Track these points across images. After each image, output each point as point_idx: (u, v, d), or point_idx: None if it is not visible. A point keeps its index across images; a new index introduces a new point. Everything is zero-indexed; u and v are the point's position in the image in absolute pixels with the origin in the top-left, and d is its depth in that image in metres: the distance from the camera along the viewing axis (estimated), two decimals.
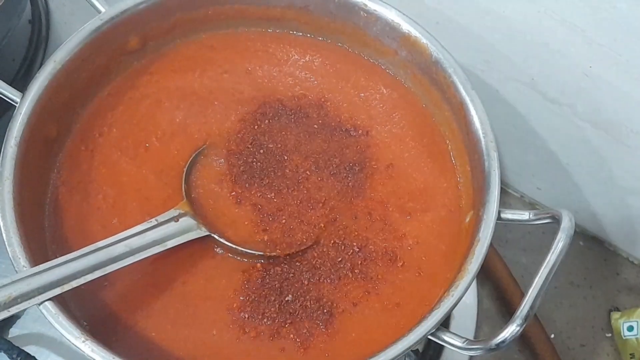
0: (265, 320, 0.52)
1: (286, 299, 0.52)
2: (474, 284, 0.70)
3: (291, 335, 0.51)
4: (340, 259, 0.55)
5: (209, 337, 0.51)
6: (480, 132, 0.55)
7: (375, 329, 0.52)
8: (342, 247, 0.55)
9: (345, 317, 0.53)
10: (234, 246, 0.53)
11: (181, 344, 0.50)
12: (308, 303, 0.52)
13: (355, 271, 0.54)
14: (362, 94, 0.64)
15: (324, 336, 0.51)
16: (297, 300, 0.52)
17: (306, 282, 0.53)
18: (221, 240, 0.53)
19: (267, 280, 0.53)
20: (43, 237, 0.53)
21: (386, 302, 0.53)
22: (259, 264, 0.54)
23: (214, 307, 0.52)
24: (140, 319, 0.51)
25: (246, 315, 0.52)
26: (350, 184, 0.58)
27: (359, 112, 0.63)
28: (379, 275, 0.54)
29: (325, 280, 0.54)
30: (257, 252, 0.54)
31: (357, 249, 0.55)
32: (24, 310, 0.45)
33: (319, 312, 0.52)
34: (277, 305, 0.52)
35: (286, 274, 0.54)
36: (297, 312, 0.52)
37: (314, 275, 0.54)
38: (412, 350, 0.61)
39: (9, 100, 0.54)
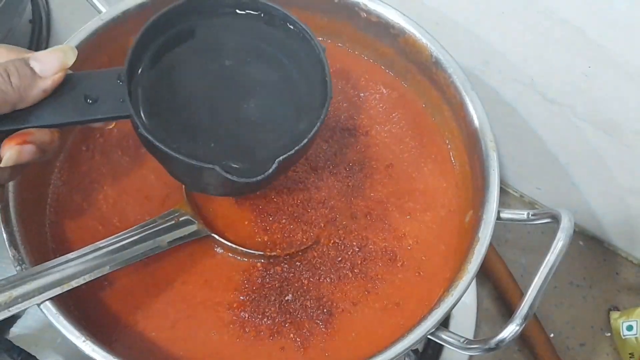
0: (265, 319, 0.52)
1: (286, 298, 0.52)
2: (474, 283, 0.70)
3: (291, 335, 0.51)
4: (340, 258, 0.55)
5: (209, 337, 0.51)
6: (479, 132, 0.55)
7: (375, 329, 0.52)
8: (342, 247, 0.55)
9: (345, 316, 0.53)
10: (234, 246, 0.53)
11: (181, 344, 0.50)
12: (308, 302, 0.53)
13: (355, 271, 0.54)
14: (362, 94, 0.64)
15: (323, 335, 0.52)
16: (297, 300, 0.53)
17: (306, 282, 0.53)
18: (221, 240, 0.53)
19: (267, 279, 0.53)
20: (43, 237, 0.53)
21: (386, 301, 0.53)
22: (259, 264, 0.54)
23: (213, 306, 0.52)
24: (140, 319, 0.51)
25: (246, 315, 0.52)
26: (350, 183, 0.58)
27: (358, 112, 0.63)
28: (379, 275, 0.54)
29: (325, 280, 0.54)
30: (257, 252, 0.54)
31: (357, 249, 0.55)
32: (25, 310, 0.45)
33: (318, 311, 0.52)
34: (277, 305, 0.52)
35: (286, 273, 0.54)
36: (297, 312, 0.52)
37: (314, 274, 0.54)
38: (411, 350, 0.61)
39: None
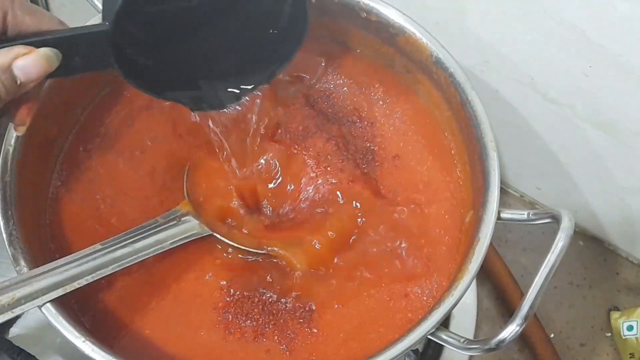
0: (248, 321, 0.51)
1: (270, 299, 0.52)
2: (474, 283, 0.70)
3: (275, 337, 0.51)
4: (337, 256, 0.55)
5: (199, 337, 0.51)
6: (479, 132, 0.55)
7: (368, 328, 0.52)
8: (341, 243, 0.55)
9: (335, 315, 0.52)
10: (236, 245, 0.53)
11: (175, 343, 0.50)
12: (293, 301, 0.52)
13: (353, 270, 0.54)
14: (362, 91, 0.64)
15: (311, 337, 0.51)
16: (281, 299, 0.52)
17: (296, 280, 0.53)
18: (223, 239, 0.53)
19: (255, 279, 0.53)
20: (43, 237, 0.53)
21: (383, 301, 0.53)
22: (247, 262, 0.54)
23: (202, 305, 0.52)
24: (137, 318, 0.51)
25: (230, 316, 0.52)
26: (358, 172, 0.58)
27: (358, 110, 0.63)
28: (376, 273, 0.54)
29: (317, 277, 0.53)
30: (260, 251, 0.54)
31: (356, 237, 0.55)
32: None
33: (301, 310, 0.52)
34: (261, 306, 0.52)
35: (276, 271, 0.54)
36: (280, 312, 0.52)
37: (313, 274, 0.54)
38: (411, 350, 0.61)
39: None
